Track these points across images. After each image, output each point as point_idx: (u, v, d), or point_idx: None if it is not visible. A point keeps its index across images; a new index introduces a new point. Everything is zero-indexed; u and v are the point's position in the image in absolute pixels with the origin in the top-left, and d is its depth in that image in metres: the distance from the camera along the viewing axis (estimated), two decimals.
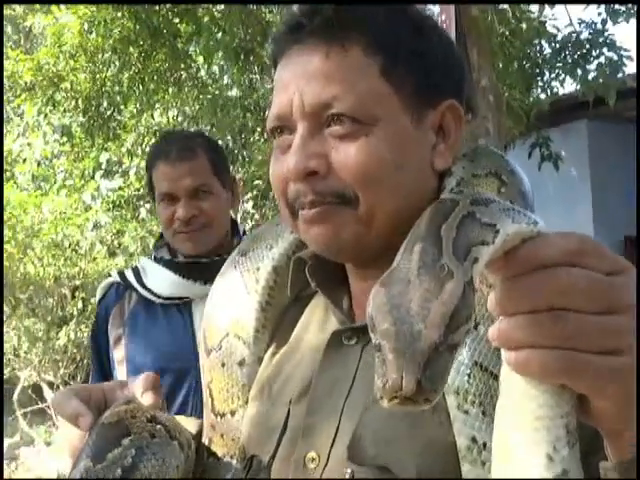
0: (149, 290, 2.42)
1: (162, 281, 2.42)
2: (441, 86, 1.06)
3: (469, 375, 0.91)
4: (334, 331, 1.06)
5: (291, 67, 1.04)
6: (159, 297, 2.41)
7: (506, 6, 6.61)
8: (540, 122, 7.58)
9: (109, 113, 9.72)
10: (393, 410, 0.64)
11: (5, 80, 10.20)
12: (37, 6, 11.33)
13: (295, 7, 1.08)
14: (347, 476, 0.94)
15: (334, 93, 0.99)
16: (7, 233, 8.95)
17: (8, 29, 13.91)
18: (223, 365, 1.16)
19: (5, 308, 9.35)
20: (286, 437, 1.04)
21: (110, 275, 2.62)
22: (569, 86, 8.91)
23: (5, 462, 8.16)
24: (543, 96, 7.73)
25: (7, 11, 11.71)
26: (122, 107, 9.68)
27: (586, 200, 9.08)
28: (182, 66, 9.19)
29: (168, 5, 8.83)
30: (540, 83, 7.73)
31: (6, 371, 9.36)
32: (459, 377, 0.91)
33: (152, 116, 9.53)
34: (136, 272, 2.48)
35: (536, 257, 0.67)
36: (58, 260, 9.47)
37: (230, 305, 1.18)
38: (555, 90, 7.91)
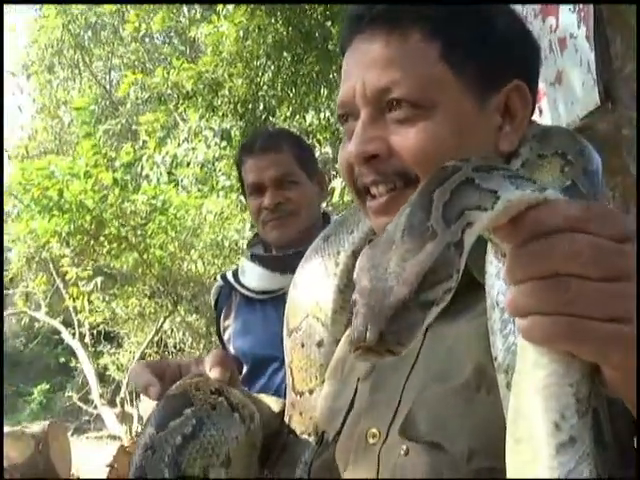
0: (246, 288, 2.53)
1: (256, 277, 2.51)
2: (506, 68, 1.05)
3: None
4: None
5: (354, 56, 1.07)
6: (256, 293, 2.51)
7: None
8: None
9: (264, 116, 10.02)
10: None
11: (169, 89, 10.76)
12: (198, 16, 11.89)
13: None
14: (402, 452, 0.96)
15: (393, 78, 1.01)
16: (170, 233, 9.43)
17: (175, 40, 14.66)
18: (303, 346, 1.21)
19: (168, 304, 9.87)
20: (352, 414, 1.07)
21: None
22: None
23: None
24: None
25: (172, 22, 12.32)
26: (276, 110, 9.94)
27: None
28: (333, 67, 9.34)
29: (320, 8, 9.02)
30: None
31: None
32: (509, 356, 0.90)
33: (304, 118, 9.74)
34: (235, 272, 2.60)
35: (539, 223, 0.67)
36: (218, 259, 9.88)
37: (311, 288, 1.22)
38: None
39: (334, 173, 9.90)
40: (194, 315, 10.50)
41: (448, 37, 1.03)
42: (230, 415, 1.03)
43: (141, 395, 1.12)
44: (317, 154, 8.48)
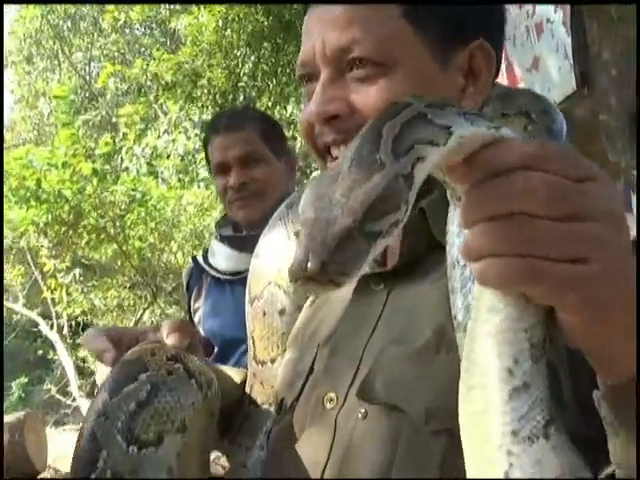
0: (216, 269, 2.50)
1: (225, 258, 2.48)
2: (470, 26, 1.03)
3: None
4: (362, 276, 1.05)
5: (314, 15, 1.05)
6: (225, 274, 2.48)
7: None
8: None
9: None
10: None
11: (149, 81, 10.71)
12: (178, 7, 11.82)
13: None
14: (360, 416, 0.94)
15: (353, 37, 0.99)
16: (150, 225, 9.38)
17: (155, 32, 14.57)
18: (264, 314, 1.18)
19: (147, 296, 9.82)
20: (310, 379, 1.05)
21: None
22: None
23: None
24: None
25: (152, 13, 12.25)
26: (257, 101, 9.90)
27: None
28: None
29: None
30: None
31: None
32: (469, 314, 0.88)
33: (285, 108, 9.71)
34: (205, 254, 2.57)
35: (494, 162, 0.64)
36: (198, 250, 9.83)
37: (273, 255, 1.20)
38: None
39: (315, 166, 9.89)
40: (174, 307, 10.45)
41: None
42: (187, 381, 1.01)
43: (97, 363, 1.09)
44: (297, 145, 8.45)
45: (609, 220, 0.63)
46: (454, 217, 0.90)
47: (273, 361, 1.17)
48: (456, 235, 0.89)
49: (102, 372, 1.06)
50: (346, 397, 0.97)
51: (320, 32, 1.02)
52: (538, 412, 0.66)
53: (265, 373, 1.17)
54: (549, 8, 3.50)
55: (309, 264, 0.61)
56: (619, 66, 4.10)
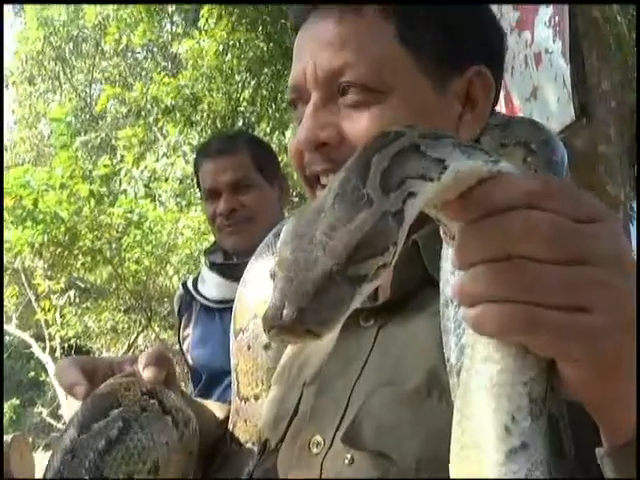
0: (205, 297, 2.44)
1: (214, 286, 2.42)
2: (468, 51, 0.99)
3: None
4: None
5: (306, 35, 1.01)
6: (214, 302, 2.42)
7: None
8: None
9: None
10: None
11: (148, 104, 10.71)
12: (180, 31, 11.87)
13: None
14: (346, 462, 0.88)
15: (346, 60, 0.95)
16: (146, 247, 9.35)
17: (157, 56, 14.62)
18: (249, 348, 1.13)
19: (141, 319, 9.75)
20: (295, 420, 1.00)
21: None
22: None
23: None
24: None
25: (153, 36, 12.27)
26: (255, 126, 9.91)
27: None
28: None
29: None
30: None
31: None
32: (462, 357, 0.83)
33: (284, 134, 9.71)
34: (195, 281, 2.51)
35: (492, 199, 0.59)
36: (194, 274, 9.78)
37: (260, 286, 1.15)
38: None
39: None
40: (168, 331, 10.38)
41: (405, 15, 0.97)
42: (162, 419, 0.95)
43: (67, 397, 1.03)
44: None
45: (615, 265, 0.58)
46: (448, 254, 0.86)
47: (257, 398, 1.11)
48: (450, 273, 0.85)
49: (73, 407, 1.00)
50: (332, 441, 0.92)
51: (311, 53, 0.98)
52: (538, 474, 0.60)
53: (249, 410, 1.11)
54: (548, 38, 3.48)
55: (284, 311, 0.56)
56: (618, 97, 4.08)
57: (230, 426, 1.13)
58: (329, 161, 0.97)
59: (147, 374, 0.99)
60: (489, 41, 1.03)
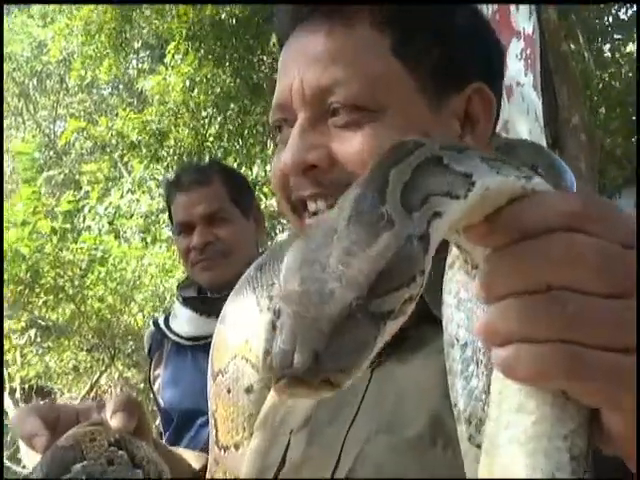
0: (177, 334, 2.35)
1: (187, 322, 2.33)
2: (467, 67, 0.93)
3: (484, 401, 0.74)
4: None
5: (292, 50, 0.94)
6: (187, 339, 2.32)
7: (605, 49, 6.37)
8: None
9: None
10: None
11: (113, 139, 10.61)
12: (146, 67, 11.81)
13: None
14: None
15: (336, 77, 0.88)
16: (110, 285, 9.19)
17: (122, 92, 14.54)
18: (229, 391, 1.04)
19: (105, 358, 9.54)
20: (283, 472, 0.90)
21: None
22: None
23: None
24: None
25: (119, 72, 12.18)
26: (222, 161, 9.86)
27: None
28: None
29: (268, 60, 9.03)
30: None
31: None
32: (472, 402, 0.74)
33: (251, 170, 9.65)
34: (167, 317, 2.41)
35: (527, 220, 0.52)
36: (159, 312, 9.61)
37: (240, 324, 1.06)
38: None
39: (280, 228, 9.80)
40: (132, 370, 10.15)
41: (401, 28, 0.90)
42: (131, 472, 0.86)
43: (26, 450, 0.92)
44: (262, 207, 8.37)
45: None
46: (452, 286, 0.78)
47: (238, 447, 1.01)
48: (455, 308, 0.77)
49: (33, 460, 0.90)
50: None
51: (299, 70, 0.91)
52: None
53: (229, 460, 1.01)
54: (520, 71, 3.47)
55: (296, 357, 0.46)
56: (588, 132, 4.09)
57: (208, 477, 1.04)
58: (318, 185, 0.89)
59: (115, 422, 0.90)
60: (488, 56, 0.97)
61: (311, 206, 0.91)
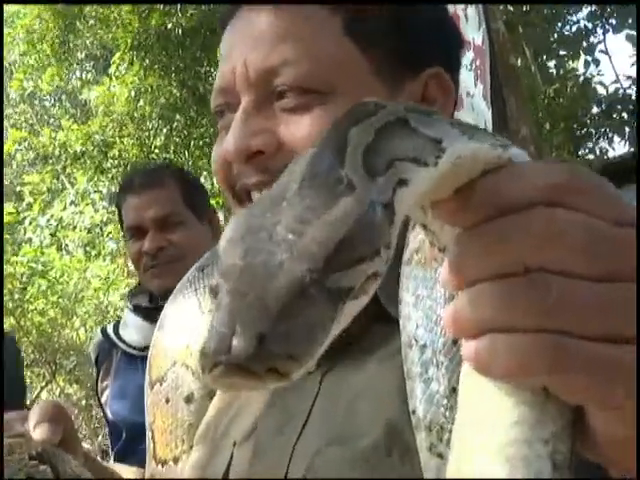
0: (127, 343, 2.25)
1: (138, 331, 2.22)
2: (424, 51, 0.87)
3: (446, 407, 0.68)
4: None
5: (235, 30, 0.87)
6: (137, 349, 2.22)
7: (550, 65, 6.47)
8: None
9: None
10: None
11: (57, 150, 10.41)
12: (90, 77, 11.63)
13: None
14: None
15: (283, 57, 0.81)
16: (51, 298, 8.98)
17: (65, 103, 14.29)
18: (167, 401, 0.96)
19: (45, 373, 9.30)
20: None
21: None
22: (620, 147, 8.66)
23: None
24: (592, 157, 7.50)
25: (62, 82, 11.96)
26: None
27: None
28: None
29: (215, 72, 9.00)
30: (589, 144, 7.52)
31: None
32: (432, 408, 0.68)
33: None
34: (116, 326, 2.31)
35: (504, 194, 0.45)
36: (102, 324, 9.42)
37: (180, 328, 0.98)
38: (604, 150, 7.66)
39: None
40: (75, 386, 9.90)
41: (354, 7, 0.84)
42: None
43: None
44: None
45: None
46: (409, 283, 0.72)
47: (177, 460, 0.93)
48: (413, 306, 0.71)
49: None
50: None
51: (242, 51, 0.84)
52: None
53: (167, 476, 0.93)
54: (470, 81, 3.46)
55: (236, 341, 0.39)
56: (536, 144, 4.12)
57: None
58: (264, 172, 0.82)
59: (39, 433, 0.81)
60: (446, 42, 0.92)
61: (255, 195, 0.84)
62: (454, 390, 0.68)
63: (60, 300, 9.08)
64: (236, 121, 0.83)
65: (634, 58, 7.19)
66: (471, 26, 3.45)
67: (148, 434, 0.98)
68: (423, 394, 0.67)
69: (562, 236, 0.43)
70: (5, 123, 15.02)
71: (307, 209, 0.43)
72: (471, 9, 3.52)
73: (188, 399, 0.95)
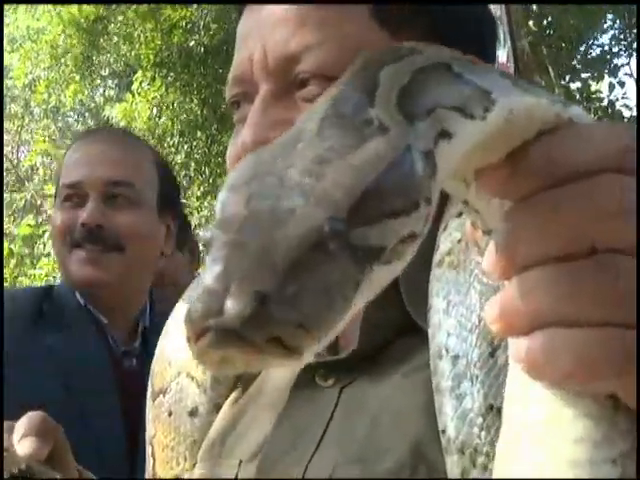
0: None
1: None
2: (457, 37, 0.80)
3: (481, 426, 0.60)
4: (304, 366, 0.76)
5: (253, 15, 0.80)
6: None
7: (574, 87, 6.41)
8: None
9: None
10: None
11: None
12: (113, 94, 11.68)
13: None
14: None
15: (306, 42, 0.74)
16: None
17: (88, 120, 14.40)
18: (170, 414, 0.88)
19: None
20: None
21: None
22: None
23: None
24: None
25: (84, 97, 12.03)
26: (187, 190, 9.78)
27: None
28: None
29: None
30: None
31: None
32: (465, 428, 0.60)
33: (215, 198, 9.54)
34: None
35: (568, 159, 0.37)
36: None
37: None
38: None
39: None
40: None
41: None
42: None
43: None
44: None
45: None
46: (440, 287, 0.64)
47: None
48: (444, 313, 0.63)
49: None
50: None
51: (260, 37, 0.77)
52: None
53: None
54: None
55: (229, 302, 0.30)
56: None
57: None
58: None
59: (24, 448, 0.74)
60: (480, 30, 0.84)
61: None
62: (491, 408, 0.60)
63: None
64: (253, 112, 0.76)
65: None
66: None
67: (148, 449, 0.91)
68: (454, 411, 0.60)
69: (633, 209, 0.35)
70: (28, 137, 15.14)
71: (328, 150, 0.34)
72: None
73: (192, 413, 0.87)
